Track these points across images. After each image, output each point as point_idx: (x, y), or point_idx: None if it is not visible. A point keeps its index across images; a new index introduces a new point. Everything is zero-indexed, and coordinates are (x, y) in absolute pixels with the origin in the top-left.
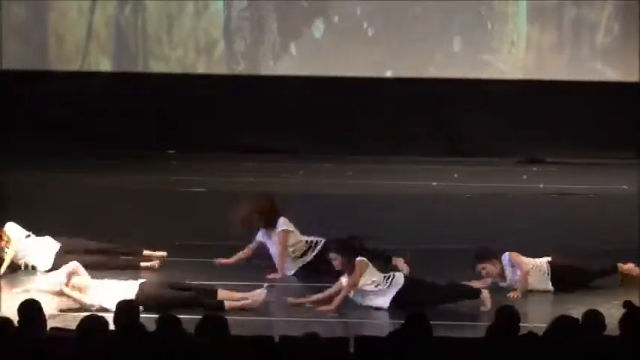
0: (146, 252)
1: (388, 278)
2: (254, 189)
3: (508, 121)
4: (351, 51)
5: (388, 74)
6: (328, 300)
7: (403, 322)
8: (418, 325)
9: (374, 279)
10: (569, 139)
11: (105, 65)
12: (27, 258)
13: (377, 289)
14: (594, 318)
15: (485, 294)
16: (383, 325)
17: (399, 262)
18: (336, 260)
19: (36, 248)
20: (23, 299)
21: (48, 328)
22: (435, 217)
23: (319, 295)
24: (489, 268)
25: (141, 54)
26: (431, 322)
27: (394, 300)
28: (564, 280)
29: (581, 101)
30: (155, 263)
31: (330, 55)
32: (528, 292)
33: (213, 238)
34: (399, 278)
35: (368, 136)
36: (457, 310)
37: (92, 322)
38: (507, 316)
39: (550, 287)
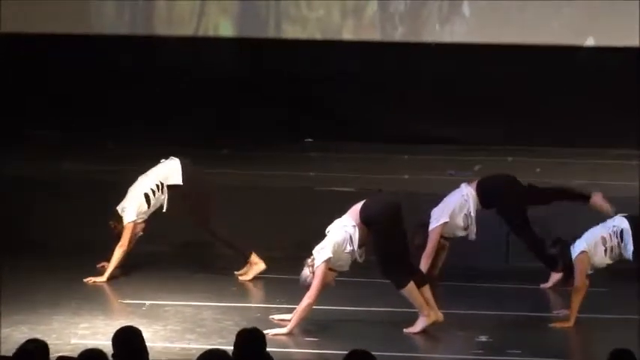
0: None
1: (614, 234)
2: (414, 189)
3: None
4: (541, 13)
5: (589, 43)
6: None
7: None
8: None
9: (603, 249)
10: None
11: (226, 29)
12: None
13: (614, 252)
14: None
15: None
16: None
17: (597, 197)
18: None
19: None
20: (120, 327)
21: None
22: None
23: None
24: None
25: (272, 16)
26: None
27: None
28: None
29: None
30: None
31: (513, 17)
32: None
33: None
34: (623, 224)
35: (561, 120)
36: None
37: (213, 357)
38: None
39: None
